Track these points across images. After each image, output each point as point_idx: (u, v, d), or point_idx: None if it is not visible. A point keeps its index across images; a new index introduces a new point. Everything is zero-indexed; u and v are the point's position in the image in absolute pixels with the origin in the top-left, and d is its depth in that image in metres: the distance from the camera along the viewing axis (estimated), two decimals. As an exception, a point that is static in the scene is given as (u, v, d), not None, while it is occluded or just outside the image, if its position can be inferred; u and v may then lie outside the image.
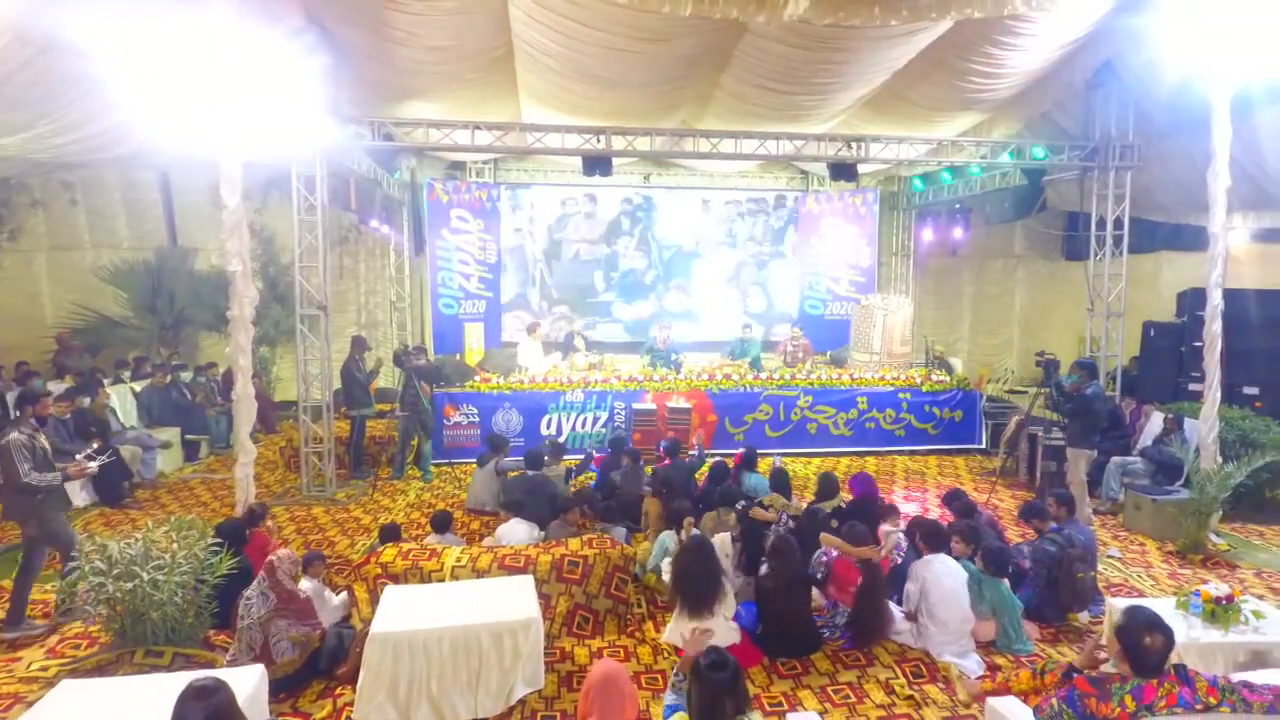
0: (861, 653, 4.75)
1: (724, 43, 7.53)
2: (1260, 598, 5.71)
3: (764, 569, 5.14)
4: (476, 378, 9.68)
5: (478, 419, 9.49)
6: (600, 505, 6.66)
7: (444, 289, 12.68)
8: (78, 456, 5.25)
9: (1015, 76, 8.39)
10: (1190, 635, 4.04)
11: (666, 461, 7.34)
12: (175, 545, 4.55)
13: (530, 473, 6.81)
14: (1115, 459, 7.89)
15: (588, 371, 10.55)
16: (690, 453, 7.69)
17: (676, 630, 4.85)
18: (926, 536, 5.02)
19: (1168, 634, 2.82)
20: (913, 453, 10.09)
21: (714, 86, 8.71)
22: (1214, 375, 7.12)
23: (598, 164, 8.55)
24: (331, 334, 8.39)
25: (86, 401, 8.25)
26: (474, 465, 9.20)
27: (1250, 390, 9.33)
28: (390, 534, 5.65)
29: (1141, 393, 9.92)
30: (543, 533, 5.99)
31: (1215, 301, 7.16)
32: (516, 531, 5.87)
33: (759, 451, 8.22)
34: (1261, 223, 10.71)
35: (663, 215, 13.79)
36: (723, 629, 4.68)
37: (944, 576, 4.78)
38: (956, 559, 5.01)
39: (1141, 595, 5.74)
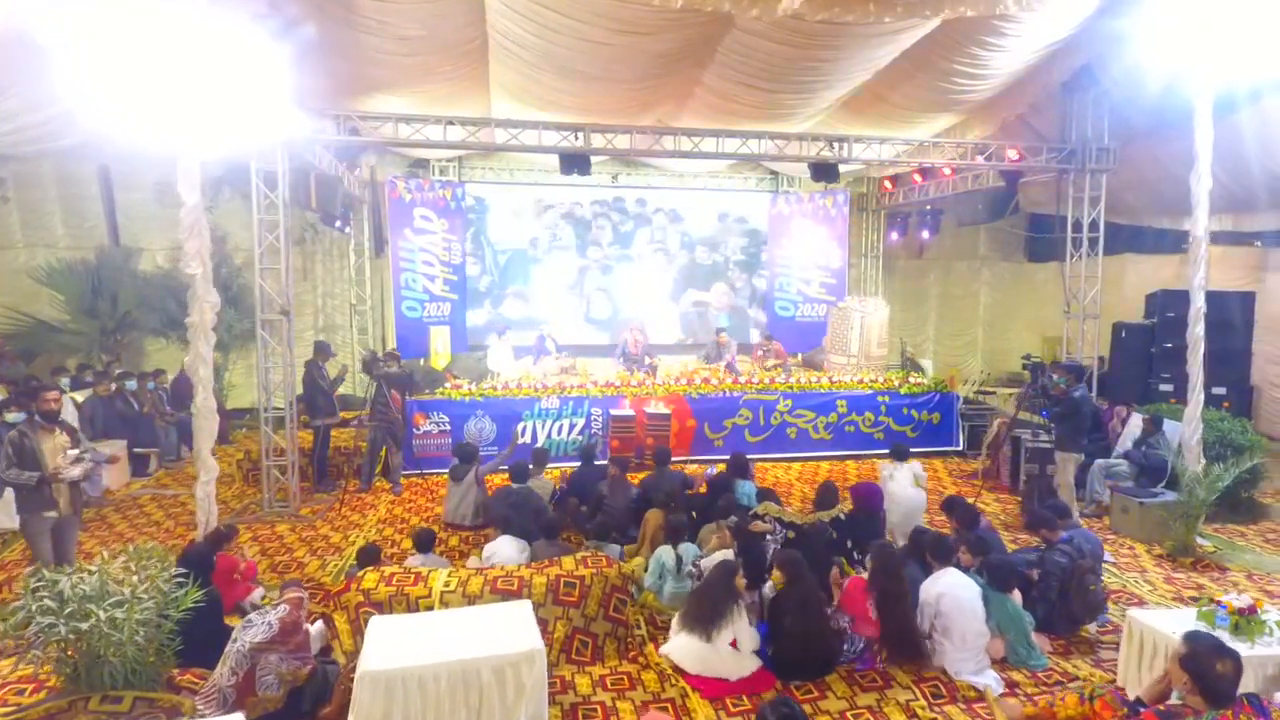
0: (877, 673, 4.56)
1: (708, 38, 7.31)
2: (1258, 601, 5.73)
3: (767, 586, 4.95)
4: (447, 384, 9.27)
5: (448, 427, 9.10)
6: (588, 523, 6.33)
7: (407, 291, 12.19)
8: (61, 456, 4.93)
9: (997, 78, 8.36)
10: (1218, 649, 3.94)
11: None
12: (135, 578, 4.11)
13: (515, 485, 6.47)
14: (1099, 461, 7.90)
15: (560, 376, 10.23)
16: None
17: (674, 645, 4.62)
18: (934, 550, 4.85)
19: (1236, 659, 2.68)
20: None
21: (694, 84, 8.48)
22: (1197, 377, 7.15)
23: (576, 162, 8.24)
24: (294, 339, 7.91)
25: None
26: (446, 476, 8.88)
27: (1218, 390, 9.49)
28: (369, 556, 5.27)
29: (1112, 394, 10.03)
30: (530, 550, 5.67)
31: (1198, 304, 7.20)
32: (504, 549, 5.54)
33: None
34: (1222, 225, 10.93)
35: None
36: (729, 656, 4.45)
37: (956, 590, 4.62)
38: (964, 570, 4.87)
39: (1142, 603, 5.68)
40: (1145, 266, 12.24)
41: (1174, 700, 2.82)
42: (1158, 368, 9.83)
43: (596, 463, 7.49)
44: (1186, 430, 7.14)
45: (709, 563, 5.12)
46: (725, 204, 14.35)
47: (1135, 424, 8.31)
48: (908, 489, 6.64)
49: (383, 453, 8.55)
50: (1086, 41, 8.08)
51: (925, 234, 12.81)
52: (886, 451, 9.77)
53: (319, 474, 8.42)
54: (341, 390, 10.01)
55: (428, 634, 4.12)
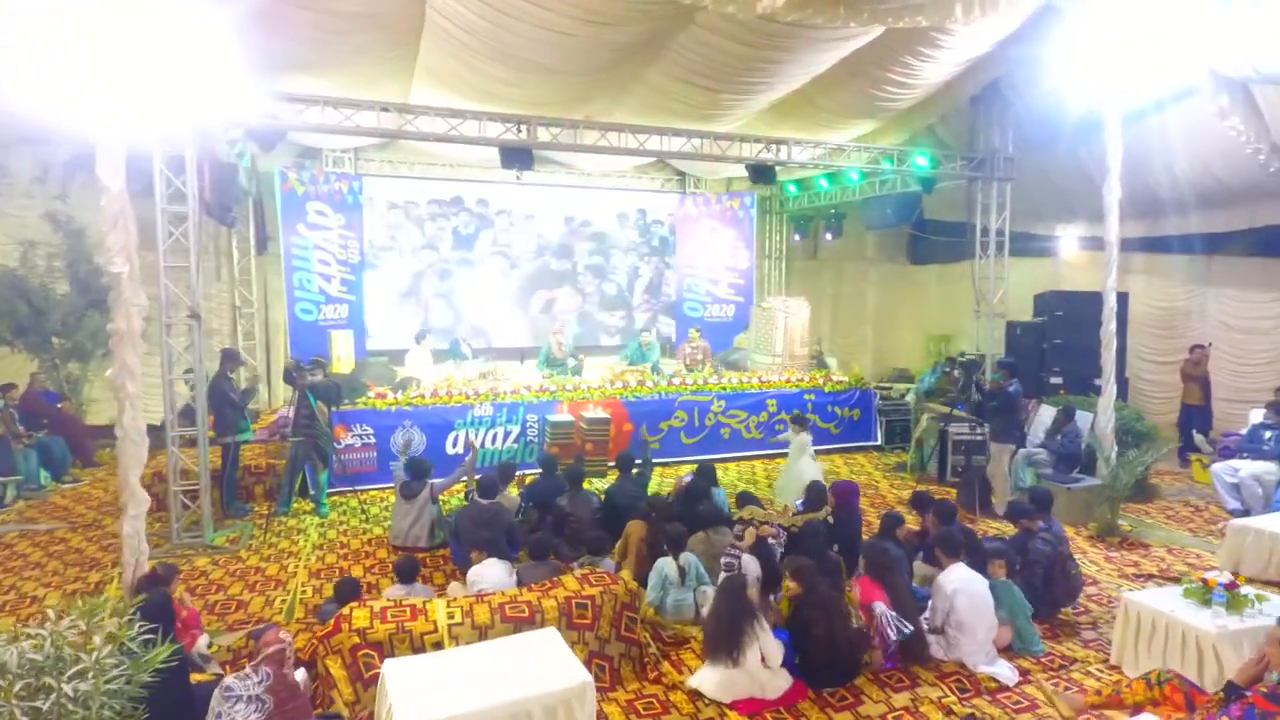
0: (902, 673, 4.58)
1: (666, 32, 7.14)
2: (1184, 573, 6.31)
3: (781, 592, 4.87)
4: (371, 393, 8.54)
5: (373, 440, 8.40)
6: (562, 545, 5.95)
7: (301, 292, 11.19)
8: None
9: (921, 88, 8.75)
10: (1217, 624, 4.25)
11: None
12: (95, 639, 3.40)
13: (484, 501, 6.01)
14: (1021, 451, 8.44)
15: (479, 380, 9.70)
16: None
17: (703, 677, 4.42)
18: (944, 546, 4.95)
19: (1339, 636, 2.83)
20: (818, 453, 10.23)
21: (636, 80, 8.28)
22: (1110, 369, 7.79)
23: (519, 157, 7.81)
24: (203, 349, 6.99)
25: None
26: (375, 493, 8.20)
27: (1099, 382, 10.42)
28: (349, 591, 4.68)
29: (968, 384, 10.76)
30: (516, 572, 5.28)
31: (1111, 304, 7.82)
32: (491, 574, 5.11)
33: (670, 460, 7.96)
34: (1092, 231, 12.05)
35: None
36: (761, 674, 4.31)
37: (970, 586, 4.73)
38: (962, 565, 5.00)
39: (1095, 581, 6.09)
40: (1023, 268, 13.25)
41: (1273, 679, 2.97)
42: (1049, 362, 10.67)
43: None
44: (1102, 419, 7.76)
45: (748, 560, 4.95)
46: (623, 204, 13.81)
47: (1045, 415, 8.96)
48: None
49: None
50: (1000, 59, 8.61)
51: (829, 236, 13.27)
52: (816, 448, 10.12)
53: (228, 497, 7.49)
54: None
55: (456, 675, 3.72)
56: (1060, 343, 10.60)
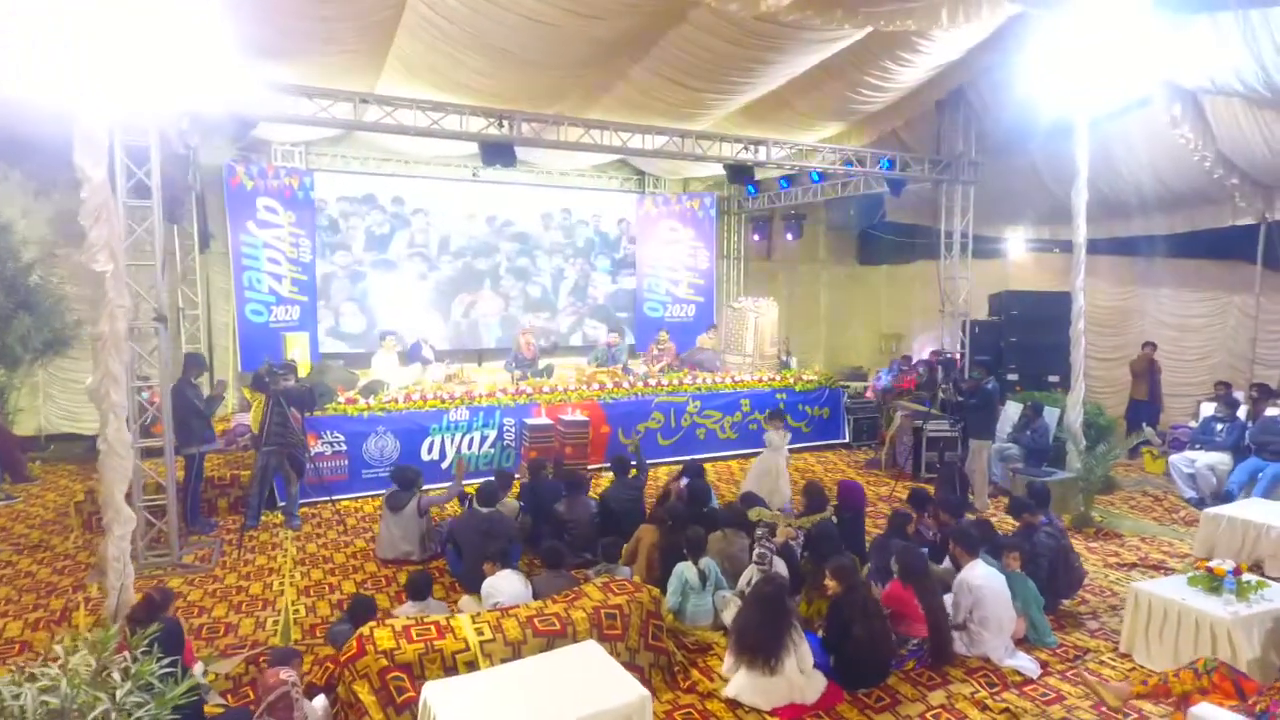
0: (931, 670, 4.61)
1: (656, 28, 7.04)
2: (1161, 561, 6.61)
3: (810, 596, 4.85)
4: (340, 398, 8.14)
5: (344, 448, 8.01)
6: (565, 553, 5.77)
7: (251, 292, 10.64)
8: None
9: (894, 91, 8.91)
10: (1230, 610, 4.43)
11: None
12: (115, 674, 3.08)
13: (484, 510, 5.78)
14: (994, 445, 8.68)
15: (448, 384, 9.39)
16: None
17: (740, 685, 4.34)
18: (963, 541, 5.01)
19: None
20: (791, 452, 10.33)
21: (618, 77, 8.15)
22: (1079, 367, 8.10)
23: (500, 153, 7.57)
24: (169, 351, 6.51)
25: None
26: (349, 503, 7.83)
27: (1053, 378, 10.87)
28: (365, 611, 4.39)
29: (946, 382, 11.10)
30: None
31: (1080, 303, 8.11)
32: (507, 585, 4.90)
33: (650, 461, 7.85)
34: (1039, 235, 12.56)
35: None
36: (798, 680, 4.26)
37: (991, 581, 4.80)
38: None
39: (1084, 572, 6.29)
40: (975, 270, 13.71)
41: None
42: (1006, 360, 11.04)
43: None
44: (1071, 414, 8.06)
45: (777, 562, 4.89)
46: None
47: (1011, 411, 9.26)
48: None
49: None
50: (967, 66, 8.84)
51: (789, 236, 13.42)
52: (789, 446, 10.22)
53: (192, 512, 7.01)
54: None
55: (505, 696, 3.54)
56: (1015, 341, 10.99)
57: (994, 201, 11.94)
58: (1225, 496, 7.59)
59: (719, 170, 12.82)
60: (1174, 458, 8.39)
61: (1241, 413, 8.37)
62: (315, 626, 5.17)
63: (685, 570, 5.12)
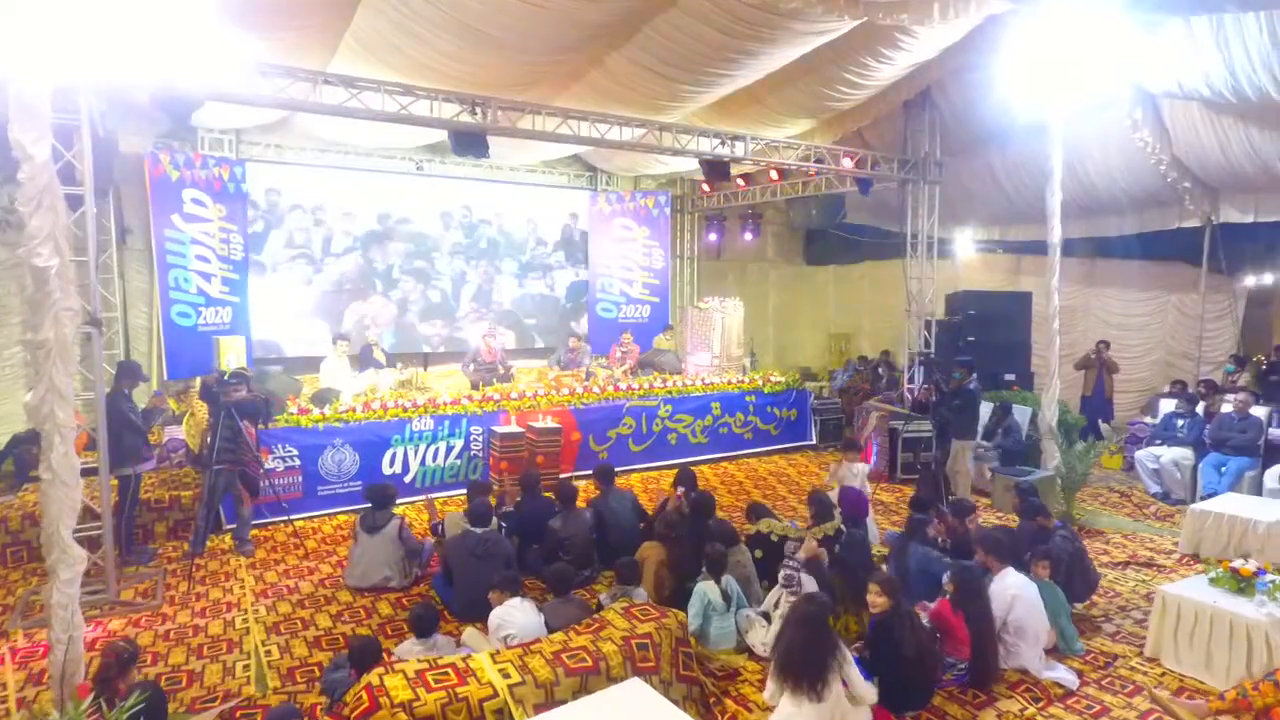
0: (975, 688, 4.41)
1: (643, 14, 6.67)
2: (1152, 558, 6.67)
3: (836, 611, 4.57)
4: (293, 409, 7.43)
5: (298, 463, 7.31)
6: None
7: (178, 293, 9.69)
8: None
9: (869, 89, 8.80)
10: (1265, 612, 4.39)
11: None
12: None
13: (478, 530, 5.28)
14: (970, 444, 8.68)
15: (402, 390, 8.76)
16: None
17: (785, 714, 4.01)
18: (992, 549, 4.84)
19: None
20: (760, 454, 10.16)
21: (594, 65, 7.73)
22: (1055, 366, 8.16)
23: (473, 142, 7.03)
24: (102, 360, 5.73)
25: None
26: (303, 522, 7.15)
27: (1009, 376, 11.04)
28: (369, 654, 3.84)
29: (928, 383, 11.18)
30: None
31: (1055, 303, 8.15)
32: (518, 616, 4.44)
33: (618, 469, 7.49)
34: (990, 235, 12.80)
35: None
36: (847, 704, 3.97)
37: (1025, 591, 4.65)
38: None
39: (1083, 573, 6.27)
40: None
41: None
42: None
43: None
44: (1046, 414, 8.11)
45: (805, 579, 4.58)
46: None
47: (981, 410, 9.29)
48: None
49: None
50: (938, 66, 8.82)
51: (748, 236, 13.26)
52: (758, 450, 10.04)
53: (126, 538, 6.22)
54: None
55: (555, 751, 3.10)
56: (974, 339, 11.10)
57: (947, 203, 12.10)
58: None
59: (675, 167, 12.58)
60: (1139, 454, 8.58)
61: (1200, 408, 8.62)
62: (294, 670, 4.57)
63: (708, 590, 4.77)
